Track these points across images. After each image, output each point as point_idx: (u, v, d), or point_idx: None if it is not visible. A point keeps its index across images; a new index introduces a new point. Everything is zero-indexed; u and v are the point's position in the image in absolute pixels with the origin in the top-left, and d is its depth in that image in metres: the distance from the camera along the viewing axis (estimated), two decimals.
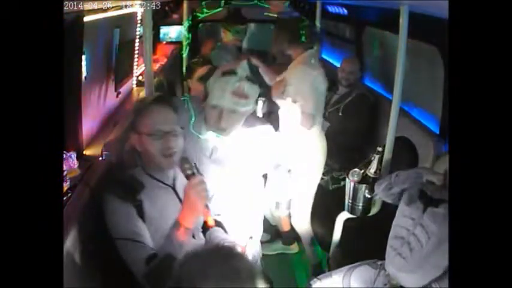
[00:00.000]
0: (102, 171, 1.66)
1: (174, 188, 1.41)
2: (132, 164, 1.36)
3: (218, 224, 1.57)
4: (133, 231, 1.27)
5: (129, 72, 2.99)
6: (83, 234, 1.36)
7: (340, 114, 2.77)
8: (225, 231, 1.58)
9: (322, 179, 2.62)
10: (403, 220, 1.53)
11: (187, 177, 1.26)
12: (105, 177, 1.43)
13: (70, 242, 1.21)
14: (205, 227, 1.51)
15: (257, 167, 1.76)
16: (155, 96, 1.38)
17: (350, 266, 1.67)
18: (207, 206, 1.26)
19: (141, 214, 1.30)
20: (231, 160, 1.66)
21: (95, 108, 2.16)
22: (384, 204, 1.96)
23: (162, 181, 1.38)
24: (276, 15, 3.55)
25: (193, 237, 1.43)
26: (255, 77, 1.52)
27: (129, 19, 2.71)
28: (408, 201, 1.54)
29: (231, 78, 1.45)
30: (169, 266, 1.22)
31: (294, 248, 2.62)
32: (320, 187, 2.60)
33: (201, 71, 2.20)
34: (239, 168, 1.68)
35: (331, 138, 2.71)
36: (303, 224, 2.40)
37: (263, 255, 2.02)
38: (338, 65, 3.12)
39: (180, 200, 1.39)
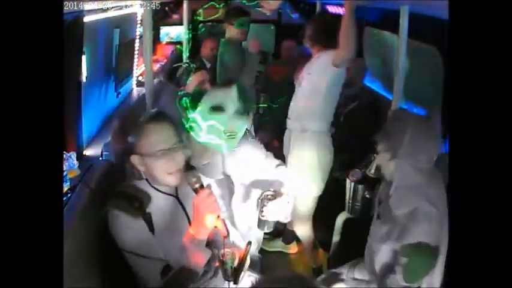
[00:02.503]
0: (102, 171, 1.66)
1: (177, 197, 1.39)
2: (136, 178, 1.34)
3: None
4: (145, 246, 1.25)
5: (129, 72, 3.00)
6: (83, 234, 1.36)
7: (342, 119, 2.71)
8: (228, 231, 1.58)
9: None
10: (374, 220, 1.58)
11: (195, 191, 1.24)
12: (108, 190, 1.38)
13: (70, 243, 1.21)
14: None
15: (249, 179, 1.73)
16: (150, 114, 1.33)
17: (352, 262, 1.68)
18: (218, 217, 1.24)
19: (151, 227, 1.29)
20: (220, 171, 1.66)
21: (95, 108, 2.16)
22: None
23: (165, 192, 1.36)
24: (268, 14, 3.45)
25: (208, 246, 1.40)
26: (244, 102, 1.46)
27: (129, 19, 2.72)
28: (376, 203, 1.58)
29: (220, 117, 1.41)
30: (186, 278, 1.25)
31: (293, 248, 2.61)
32: None
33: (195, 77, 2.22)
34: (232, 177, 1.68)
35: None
36: (304, 229, 2.37)
37: (263, 252, 2.02)
38: None
39: (184, 208, 1.39)
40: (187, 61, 2.74)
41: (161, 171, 1.28)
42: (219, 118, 1.43)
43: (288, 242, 2.60)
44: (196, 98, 1.51)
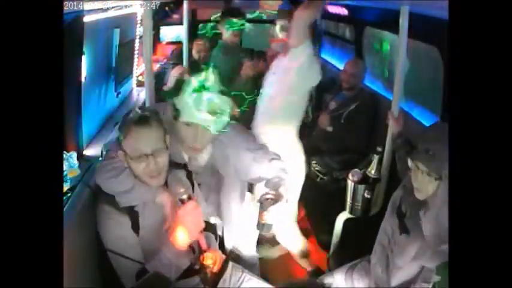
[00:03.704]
0: None
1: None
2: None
3: (211, 227, 1.56)
4: (124, 245, 1.26)
5: (129, 72, 3.00)
6: (82, 234, 1.36)
7: (342, 121, 2.69)
8: (216, 236, 1.57)
9: (322, 179, 2.62)
10: (386, 224, 1.52)
11: (182, 201, 1.23)
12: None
13: (70, 243, 1.21)
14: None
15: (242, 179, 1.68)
16: (138, 116, 1.29)
17: (351, 264, 1.67)
18: (201, 231, 1.24)
19: (136, 226, 1.29)
20: (209, 172, 1.62)
21: (95, 108, 2.16)
22: (384, 204, 1.96)
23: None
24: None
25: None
26: (224, 86, 1.45)
27: (129, 19, 2.72)
28: (391, 208, 1.50)
29: (202, 95, 1.39)
30: (158, 284, 1.21)
31: (281, 250, 2.50)
32: (320, 187, 2.60)
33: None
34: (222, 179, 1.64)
35: (332, 139, 2.72)
36: (289, 237, 2.27)
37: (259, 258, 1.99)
38: (338, 65, 3.09)
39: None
40: (172, 62, 2.77)
41: (142, 173, 1.27)
42: (199, 97, 1.40)
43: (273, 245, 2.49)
44: (178, 86, 1.47)
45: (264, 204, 1.45)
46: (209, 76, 1.44)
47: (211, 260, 1.28)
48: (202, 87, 1.40)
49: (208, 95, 1.39)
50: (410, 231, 1.36)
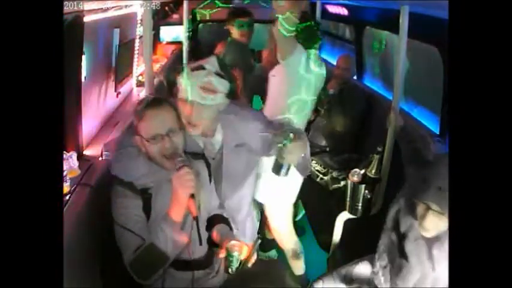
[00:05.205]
0: (102, 171, 1.66)
1: None
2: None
3: (225, 220, 1.57)
4: (132, 222, 1.29)
5: (129, 72, 2.99)
6: (82, 234, 1.36)
7: (334, 110, 2.72)
8: (231, 228, 1.58)
9: (322, 179, 2.62)
10: (384, 237, 1.50)
11: (178, 169, 1.26)
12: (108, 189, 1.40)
13: (70, 243, 1.21)
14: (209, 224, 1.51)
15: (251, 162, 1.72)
16: (150, 99, 1.37)
17: (350, 263, 1.67)
18: (192, 197, 1.25)
19: (148, 207, 1.32)
20: (223, 159, 1.65)
21: (95, 108, 2.16)
22: (384, 204, 1.96)
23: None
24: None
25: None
26: (224, 72, 1.50)
27: (129, 19, 2.72)
28: (389, 221, 1.47)
29: (199, 73, 1.46)
30: (151, 255, 1.25)
31: (272, 254, 2.53)
32: (320, 187, 2.60)
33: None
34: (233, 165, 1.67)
35: (331, 138, 2.72)
36: (285, 238, 2.23)
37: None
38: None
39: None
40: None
41: (158, 154, 1.32)
42: (197, 74, 1.46)
43: (266, 250, 2.50)
44: (179, 66, 1.55)
45: (280, 139, 1.41)
46: (209, 59, 1.51)
47: (239, 249, 1.28)
48: (200, 67, 1.47)
49: (204, 73, 1.45)
50: (409, 258, 1.33)
